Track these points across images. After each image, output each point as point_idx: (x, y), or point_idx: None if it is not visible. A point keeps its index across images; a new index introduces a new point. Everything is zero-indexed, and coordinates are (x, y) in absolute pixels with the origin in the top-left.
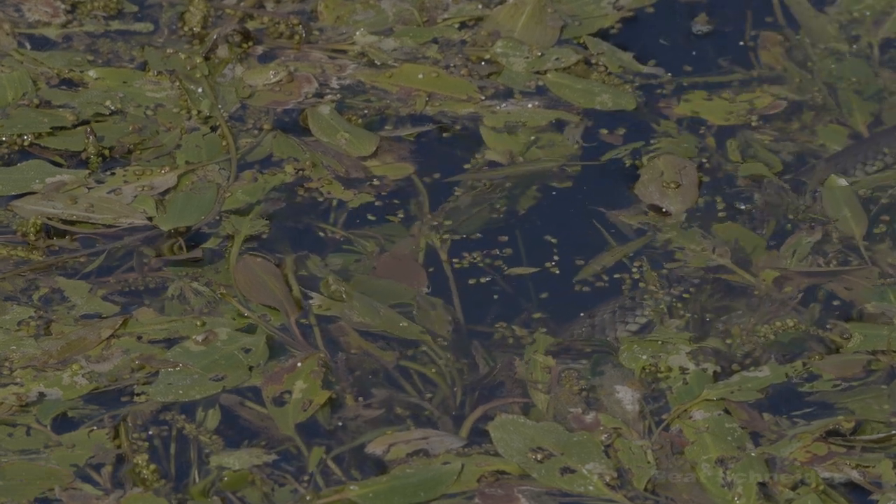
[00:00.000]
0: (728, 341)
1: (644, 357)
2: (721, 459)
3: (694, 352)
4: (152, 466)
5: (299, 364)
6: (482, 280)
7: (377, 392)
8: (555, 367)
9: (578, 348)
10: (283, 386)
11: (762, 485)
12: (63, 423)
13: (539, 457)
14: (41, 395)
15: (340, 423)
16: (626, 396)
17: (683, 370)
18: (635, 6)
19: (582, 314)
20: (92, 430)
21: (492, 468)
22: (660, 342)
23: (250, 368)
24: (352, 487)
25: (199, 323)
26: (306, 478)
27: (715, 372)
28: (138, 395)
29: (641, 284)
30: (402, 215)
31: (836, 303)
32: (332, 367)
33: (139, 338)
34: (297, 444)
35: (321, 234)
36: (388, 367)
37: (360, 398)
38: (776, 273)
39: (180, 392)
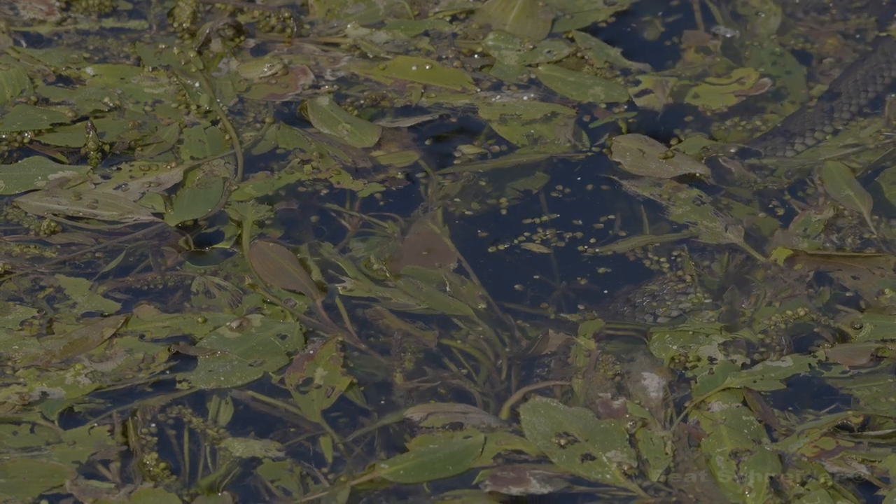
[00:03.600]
0: (758, 334)
1: (674, 347)
2: (735, 452)
3: (725, 342)
4: (162, 464)
5: (313, 351)
6: (495, 250)
7: (415, 373)
8: (594, 351)
9: (612, 332)
10: (304, 373)
11: (772, 479)
12: (66, 421)
13: (563, 442)
14: (44, 394)
15: (383, 402)
16: (652, 384)
17: (712, 360)
18: (627, 0)
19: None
20: (93, 427)
21: (510, 447)
22: (691, 332)
23: (288, 354)
24: (382, 466)
25: (200, 319)
26: (329, 463)
27: (744, 364)
28: (180, 382)
29: (679, 273)
30: (414, 201)
31: (848, 294)
32: (349, 351)
33: (141, 336)
34: (326, 430)
35: (342, 221)
36: (429, 346)
37: (401, 379)
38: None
39: (222, 379)
